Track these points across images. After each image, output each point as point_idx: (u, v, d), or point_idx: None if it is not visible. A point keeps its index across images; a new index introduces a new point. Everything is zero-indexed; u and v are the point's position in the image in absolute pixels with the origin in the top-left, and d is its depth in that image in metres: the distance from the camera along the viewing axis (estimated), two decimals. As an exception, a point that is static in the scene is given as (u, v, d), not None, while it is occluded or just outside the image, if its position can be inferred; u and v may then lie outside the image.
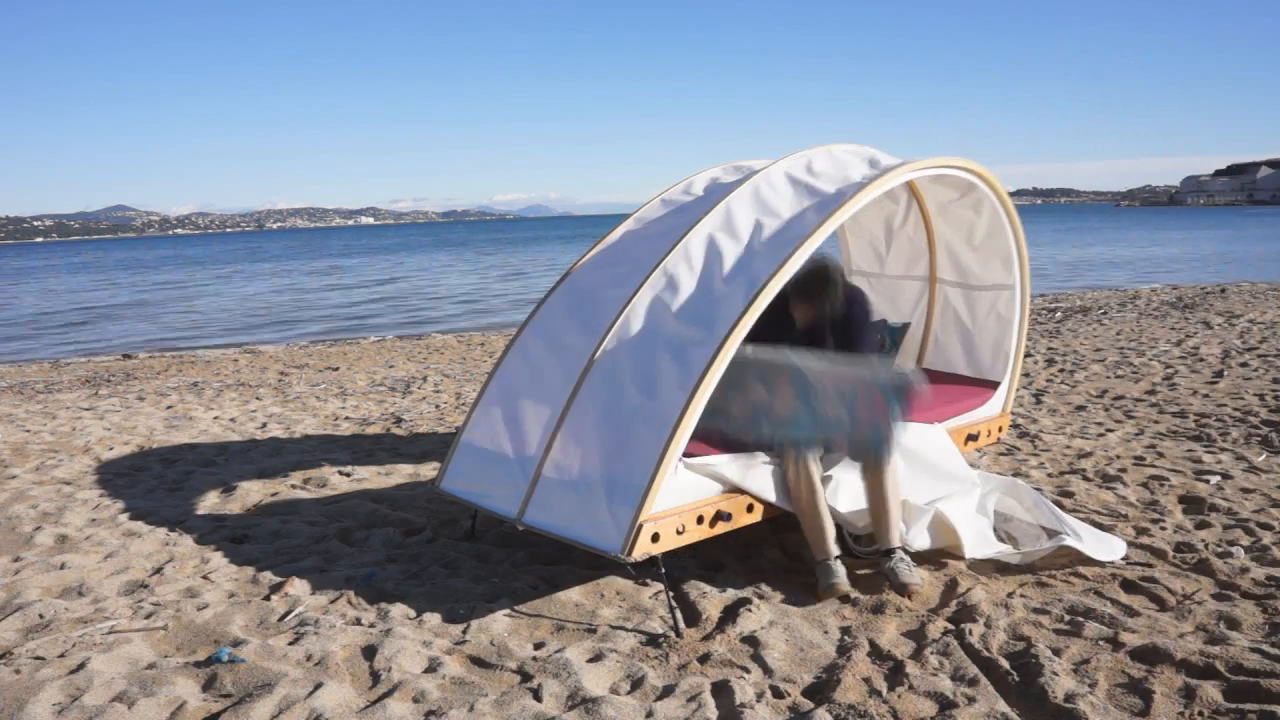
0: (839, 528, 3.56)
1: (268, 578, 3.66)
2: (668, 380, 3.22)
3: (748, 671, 2.83)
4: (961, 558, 3.61)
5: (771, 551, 3.81)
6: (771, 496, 3.45)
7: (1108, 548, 3.64)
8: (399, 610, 3.31)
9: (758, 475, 3.43)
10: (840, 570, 3.37)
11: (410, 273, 35.33)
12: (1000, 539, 3.76)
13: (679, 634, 3.08)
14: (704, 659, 2.91)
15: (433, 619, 3.24)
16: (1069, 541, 3.56)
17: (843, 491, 3.60)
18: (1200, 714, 2.52)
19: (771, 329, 3.63)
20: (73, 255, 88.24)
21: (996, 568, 3.58)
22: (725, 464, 3.36)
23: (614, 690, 2.73)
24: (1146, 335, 10.20)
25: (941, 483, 3.83)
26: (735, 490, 3.40)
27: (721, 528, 3.34)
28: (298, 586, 3.55)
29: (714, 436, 3.49)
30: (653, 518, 3.08)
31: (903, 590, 3.34)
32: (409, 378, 9.21)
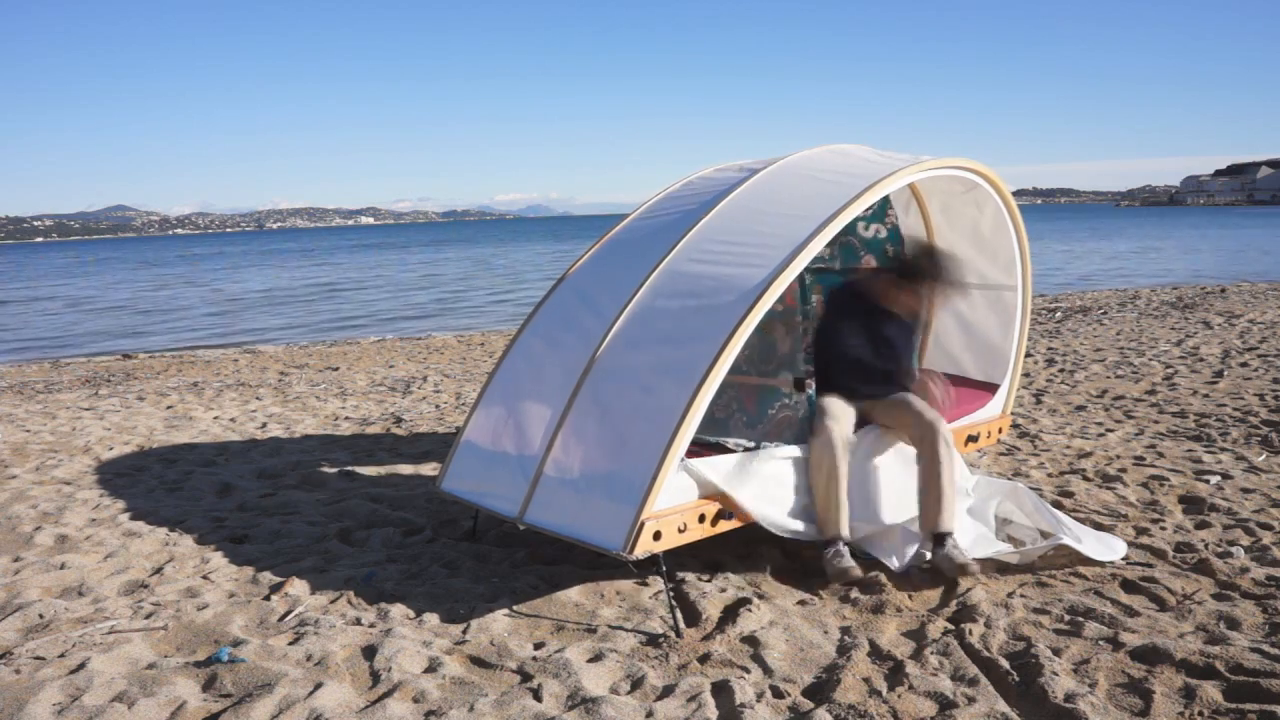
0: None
1: (268, 578, 3.66)
2: (670, 378, 3.21)
3: (748, 671, 2.83)
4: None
5: (771, 551, 3.81)
6: (757, 511, 3.35)
7: (1108, 548, 3.64)
8: (399, 610, 3.31)
9: (751, 488, 3.36)
10: (848, 554, 3.38)
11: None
12: (1000, 540, 3.76)
13: (679, 634, 3.08)
14: (704, 659, 2.90)
15: (433, 619, 3.24)
16: (1068, 542, 3.56)
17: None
18: (1200, 714, 2.52)
19: (858, 317, 3.84)
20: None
21: (996, 568, 3.58)
22: (722, 470, 3.32)
23: (614, 690, 2.73)
24: (1146, 335, 10.19)
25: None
26: (719, 496, 3.31)
27: (724, 526, 3.33)
28: (298, 586, 3.55)
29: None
30: (655, 515, 3.07)
31: (961, 571, 3.38)
32: (409, 378, 9.21)
